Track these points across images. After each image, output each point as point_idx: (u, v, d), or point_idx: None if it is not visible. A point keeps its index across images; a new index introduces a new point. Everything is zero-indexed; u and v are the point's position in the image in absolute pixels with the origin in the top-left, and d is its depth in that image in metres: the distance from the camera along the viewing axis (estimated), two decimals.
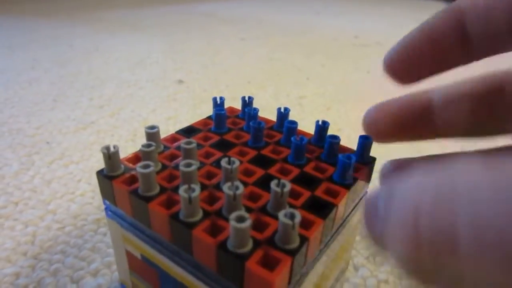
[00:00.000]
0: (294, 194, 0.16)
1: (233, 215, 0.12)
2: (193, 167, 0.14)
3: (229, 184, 0.13)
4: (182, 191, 0.12)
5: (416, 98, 0.14)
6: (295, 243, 0.13)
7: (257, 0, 1.21)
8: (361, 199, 0.19)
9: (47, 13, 0.93)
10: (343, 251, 0.20)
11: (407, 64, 0.13)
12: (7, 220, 0.31)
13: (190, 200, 0.12)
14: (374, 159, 0.19)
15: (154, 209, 0.14)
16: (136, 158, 0.17)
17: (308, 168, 0.17)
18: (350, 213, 0.18)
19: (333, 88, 0.59)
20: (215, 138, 0.20)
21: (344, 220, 0.18)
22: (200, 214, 0.13)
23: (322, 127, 0.20)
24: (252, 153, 0.18)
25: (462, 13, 0.12)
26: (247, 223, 0.12)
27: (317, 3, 1.27)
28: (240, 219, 0.12)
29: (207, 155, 0.18)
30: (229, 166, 0.14)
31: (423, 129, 0.14)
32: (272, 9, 1.11)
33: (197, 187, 0.13)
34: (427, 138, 0.14)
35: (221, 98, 0.22)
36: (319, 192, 0.16)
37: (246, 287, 0.12)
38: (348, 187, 0.16)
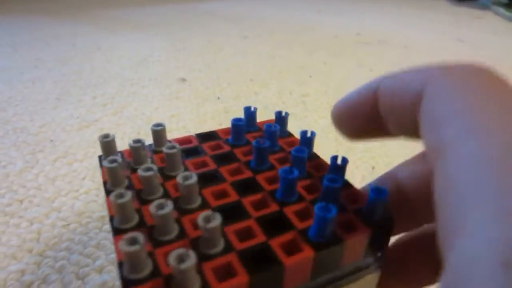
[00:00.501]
0: (247, 235, 0.13)
1: (126, 237, 0.11)
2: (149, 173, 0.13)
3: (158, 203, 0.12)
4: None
5: (367, 98, 0.14)
6: None
7: None
8: (359, 272, 0.15)
9: (49, 11, 0.94)
10: None
11: (351, 123, 0.14)
12: (12, 217, 0.31)
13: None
14: (389, 220, 0.14)
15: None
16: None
17: (290, 210, 0.14)
18: (329, 286, 0.14)
19: (336, 86, 0.59)
20: (223, 150, 0.18)
21: None
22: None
23: (339, 165, 0.15)
24: (245, 175, 0.16)
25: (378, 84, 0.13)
26: (137, 247, 0.10)
27: (319, 1, 1.26)
28: (132, 242, 0.11)
29: (198, 165, 0.17)
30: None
31: (376, 127, 0.14)
32: (273, 7, 1.11)
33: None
34: (383, 136, 0.14)
35: (254, 108, 0.19)
36: (274, 242, 0.12)
37: None
38: (318, 247, 0.12)
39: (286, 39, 0.81)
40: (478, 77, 0.10)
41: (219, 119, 0.47)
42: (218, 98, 0.52)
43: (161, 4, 1.07)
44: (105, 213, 0.32)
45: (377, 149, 0.43)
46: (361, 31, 0.95)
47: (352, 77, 0.63)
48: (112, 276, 0.26)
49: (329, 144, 0.43)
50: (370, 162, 0.40)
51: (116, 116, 0.47)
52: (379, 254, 0.15)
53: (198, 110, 0.49)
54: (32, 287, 0.26)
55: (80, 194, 0.34)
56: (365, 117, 0.13)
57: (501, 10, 1.12)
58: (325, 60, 0.69)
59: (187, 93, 0.53)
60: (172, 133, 0.43)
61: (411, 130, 0.11)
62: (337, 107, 0.14)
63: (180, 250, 0.10)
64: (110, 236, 0.30)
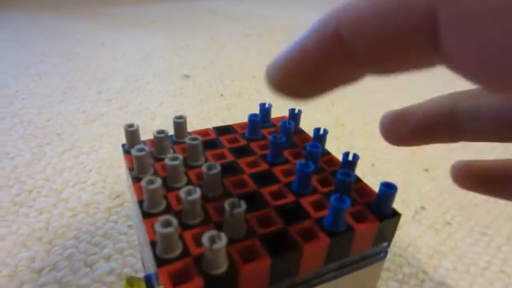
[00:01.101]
0: (266, 222, 0.14)
1: (161, 219, 0.12)
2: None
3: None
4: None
5: (439, 106, 0.15)
6: (219, 268, 0.11)
7: None
8: (366, 260, 0.16)
9: (54, 7, 0.94)
10: None
11: (400, 127, 0.14)
12: (22, 207, 0.32)
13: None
14: (396, 214, 0.15)
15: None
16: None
17: (306, 201, 0.15)
18: (336, 272, 0.15)
19: None
20: (240, 143, 0.19)
21: (323, 275, 0.15)
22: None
23: (350, 161, 0.16)
24: (261, 167, 0.17)
25: (455, 102, 0.14)
26: (171, 229, 0.11)
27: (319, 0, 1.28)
28: (166, 224, 0.11)
29: (218, 157, 0.17)
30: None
31: (447, 135, 0.15)
32: (275, 5, 1.12)
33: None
34: (451, 142, 0.15)
35: (269, 104, 0.20)
36: (293, 229, 0.13)
37: None
38: (333, 235, 0.13)
39: (288, 37, 0.82)
40: None
41: (222, 116, 0.47)
42: (222, 95, 0.53)
43: (164, 2, 1.08)
44: (111, 204, 0.33)
45: (377, 146, 0.44)
46: None
47: None
48: (119, 263, 0.27)
49: (330, 142, 0.44)
50: (369, 159, 0.41)
51: (121, 111, 0.47)
52: (385, 244, 0.16)
53: (202, 107, 0.50)
54: (42, 273, 0.26)
55: (87, 186, 0.35)
56: (322, 64, 0.10)
57: None
58: None
59: (191, 90, 0.54)
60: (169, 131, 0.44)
61: (410, 63, 0.10)
62: (273, 67, 0.11)
63: (213, 232, 0.11)
64: (116, 226, 0.31)
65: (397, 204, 0.35)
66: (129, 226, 0.31)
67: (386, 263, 0.29)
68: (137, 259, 0.28)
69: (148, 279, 0.15)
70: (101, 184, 0.35)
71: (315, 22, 0.10)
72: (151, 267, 0.14)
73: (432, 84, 0.63)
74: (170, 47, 0.71)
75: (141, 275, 0.26)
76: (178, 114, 0.48)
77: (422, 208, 0.35)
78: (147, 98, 0.51)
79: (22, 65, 0.59)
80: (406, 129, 0.14)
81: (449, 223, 0.34)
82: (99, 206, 0.33)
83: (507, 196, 0.16)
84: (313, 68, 0.10)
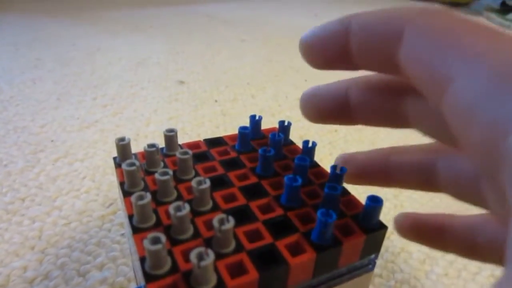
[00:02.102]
0: (255, 236, 0.14)
1: (150, 236, 0.12)
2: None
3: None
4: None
5: (336, 89, 0.17)
6: (208, 284, 0.11)
7: (256, 2, 1.23)
8: (354, 271, 0.16)
9: (49, 12, 0.94)
10: None
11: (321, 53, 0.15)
12: (15, 215, 0.32)
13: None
14: (383, 227, 0.15)
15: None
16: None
17: (293, 214, 0.15)
18: (324, 285, 0.15)
19: None
20: (230, 156, 0.19)
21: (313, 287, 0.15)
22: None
23: (338, 174, 0.17)
24: (251, 181, 0.17)
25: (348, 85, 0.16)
26: (160, 246, 0.11)
27: (315, 5, 1.28)
28: (155, 241, 0.12)
29: (208, 170, 0.18)
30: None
31: (344, 117, 0.17)
32: (271, 11, 1.13)
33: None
34: (350, 124, 0.18)
35: (259, 116, 0.20)
36: (280, 244, 0.14)
37: None
38: (320, 249, 0.14)
39: (283, 43, 0.82)
40: (450, 15, 0.12)
41: (216, 122, 0.48)
42: (216, 101, 0.53)
43: (160, 7, 1.08)
44: (105, 212, 0.33)
45: (368, 148, 0.44)
46: None
47: None
48: (112, 272, 0.27)
49: (323, 147, 0.44)
50: None
51: (116, 117, 0.47)
52: (373, 256, 0.16)
53: (196, 113, 0.50)
54: (34, 282, 0.26)
55: (80, 194, 0.35)
56: (335, 50, 0.14)
57: (493, 15, 1.14)
58: None
59: (186, 96, 0.54)
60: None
61: (385, 66, 0.13)
62: (307, 39, 0.15)
63: (200, 249, 0.11)
64: (110, 234, 0.31)
65: (389, 210, 0.36)
66: (122, 234, 0.31)
67: (378, 269, 0.29)
68: (130, 268, 0.28)
69: None
70: (95, 191, 0.35)
71: (338, 18, 0.14)
72: (141, 278, 0.14)
73: None
74: (166, 53, 0.71)
75: (133, 284, 0.26)
76: (173, 120, 0.48)
77: None
78: (142, 104, 0.51)
79: (17, 70, 0.59)
80: (315, 109, 0.17)
81: None
82: (93, 214, 0.33)
83: (448, 248, 0.18)
84: (328, 45, 0.14)
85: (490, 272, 0.30)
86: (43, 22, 0.85)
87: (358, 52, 0.13)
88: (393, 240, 0.33)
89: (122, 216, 0.33)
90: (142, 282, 0.14)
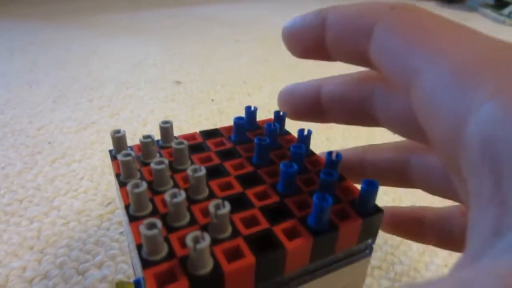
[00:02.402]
0: (251, 222, 0.14)
1: (145, 222, 0.12)
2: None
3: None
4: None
5: (310, 87, 0.18)
6: (204, 268, 0.12)
7: (252, 2, 1.23)
8: (352, 257, 0.16)
9: (44, 16, 0.94)
10: None
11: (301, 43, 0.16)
12: (13, 216, 0.32)
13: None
14: (379, 210, 0.15)
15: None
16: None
17: (290, 201, 0.15)
18: (322, 270, 0.15)
19: None
20: (226, 146, 0.19)
21: (309, 274, 0.15)
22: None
23: (334, 160, 0.17)
24: (247, 169, 0.17)
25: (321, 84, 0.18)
26: (156, 231, 0.11)
27: (310, 5, 1.29)
28: (151, 226, 0.12)
29: (204, 160, 0.18)
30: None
31: (318, 115, 0.18)
32: (266, 12, 1.13)
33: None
34: (324, 122, 0.19)
35: (254, 107, 0.20)
36: (276, 229, 0.14)
37: None
38: (317, 233, 0.14)
39: (279, 42, 0.82)
40: (418, 12, 0.12)
41: (213, 120, 0.48)
42: (212, 100, 0.54)
43: (156, 9, 1.08)
44: (103, 211, 0.33)
45: (365, 143, 0.44)
46: None
47: None
48: (111, 270, 0.27)
49: (320, 143, 0.45)
50: None
51: (112, 119, 0.47)
52: (370, 241, 0.16)
53: (193, 112, 0.50)
54: (33, 282, 0.26)
55: (78, 194, 0.35)
56: (311, 41, 0.15)
57: (488, 11, 1.15)
58: (317, 63, 0.71)
59: (182, 96, 0.54)
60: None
61: (357, 59, 0.14)
62: (287, 28, 0.16)
63: (196, 233, 0.11)
64: (109, 233, 0.31)
65: (388, 203, 0.36)
66: (121, 233, 0.31)
67: (378, 261, 0.29)
68: (129, 265, 0.28)
69: (137, 283, 0.16)
70: (93, 191, 0.35)
71: (315, 10, 0.15)
72: (139, 270, 0.14)
73: None
74: (162, 54, 0.71)
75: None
76: (169, 119, 0.48)
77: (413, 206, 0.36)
78: (139, 105, 0.51)
79: (13, 74, 0.59)
80: (291, 106, 0.18)
81: None
82: (91, 213, 0.33)
83: (427, 240, 0.20)
84: (305, 36, 0.15)
85: None
86: (38, 27, 0.85)
87: (332, 45, 0.14)
88: None
89: (120, 215, 0.33)
90: (140, 272, 0.14)
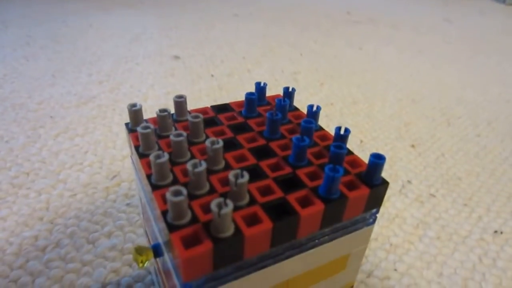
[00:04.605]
0: (267, 191, 0.15)
1: (172, 189, 0.13)
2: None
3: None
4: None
5: None
6: (226, 232, 0.12)
7: None
8: (357, 225, 0.17)
9: None
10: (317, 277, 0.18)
11: None
12: (21, 189, 0.32)
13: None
14: (385, 182, 0.16)
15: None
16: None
17: (302, 172, 0.16)
18: (329, 235, 0.16)
19: (326, 64, 0.61)
20: (238, 121, 0.19)
21: (319, 238, 0.16)
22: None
23: (342, 135, 0.17)
24: (259, 143, 0.18)
25: None
26: (182, 198, 0.12)
27: None
28: (177, 193, 0.12)
29: (218, 133, 0.18)
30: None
31: None
32: None
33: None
34: None
35: (264, 83, 0.21)
36: (291, 197, 0.14)
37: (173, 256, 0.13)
38: (328, 201, 0.14)
39: (277, 17, 0.82)
40: None
41: (213, 96, 0.48)
42: (212, 75, 0.54)
43: None
44: (109, 184, 0.34)
45: (365, 124, 0.45)
46: (351, 9, 0.96)
47: (342, 56, 0.65)
48: (120, 240, 0.28)
49: (320, 120, 0.45)
50: (358, 136, 0.43)
51: (113, 93, 0.47)
52: (374, 210, 0.18)
53: (193, 87, 0.50)
54: (46, 250, 0.27)
55: (84, 167, 0.36)
56: None
57: None
58: (316, 39, 0.71)
59: (181, 71, 0.54)
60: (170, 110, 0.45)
61: None
62: None
63: (219, 199, 0.12)
64: (115, 205, 0.32)
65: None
66: (127, 204, 0.32)
67: (374, 234, 0.31)
68: (138, 235, 0.29)
69: (155, 248, 0.17)
70: (98, 165, 0.36)
71: None
72: (160, 236, 0.15)
73: (419, 63, 0.64)
74: (159, 28, 0.70)
75: None
76: (170, 94, 0.49)
77: (409, 182, 0.37)
78: (138, 80, 0.51)
79: (8, 47, 0.58)
80: None
81: (433, 196, 0.36)
82: (97, 186, 0.33)
83: None
84: None
85: (479, 235, 0.32)
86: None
87: None
88: (388, 207, 0.34)
89: (126, 188, 0.33)
90: (161, 237, 0.15)
